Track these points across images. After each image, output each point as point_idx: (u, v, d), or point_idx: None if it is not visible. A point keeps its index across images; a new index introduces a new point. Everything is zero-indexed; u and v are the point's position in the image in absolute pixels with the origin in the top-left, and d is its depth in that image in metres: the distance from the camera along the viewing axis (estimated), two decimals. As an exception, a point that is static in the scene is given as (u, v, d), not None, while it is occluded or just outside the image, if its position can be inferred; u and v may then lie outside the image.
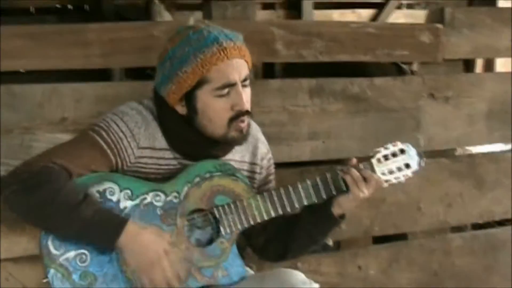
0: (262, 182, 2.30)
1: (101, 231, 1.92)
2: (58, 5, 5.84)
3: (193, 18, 2.15)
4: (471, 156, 3.44)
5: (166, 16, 4.40)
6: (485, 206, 3.27)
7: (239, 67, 2.03)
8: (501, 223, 3.43)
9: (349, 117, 2.93)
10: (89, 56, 2.53)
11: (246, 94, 2.06)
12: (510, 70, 5.96)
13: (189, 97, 2.04)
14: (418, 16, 6.58)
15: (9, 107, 2.44)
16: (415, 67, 3.94)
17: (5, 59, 2.42)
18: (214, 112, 2.03)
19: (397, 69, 3.78)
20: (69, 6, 5.93)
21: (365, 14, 6.25)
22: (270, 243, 2.27)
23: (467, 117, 3.15)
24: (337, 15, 6.10)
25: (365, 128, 2.96)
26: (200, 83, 2.01)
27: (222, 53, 1.99)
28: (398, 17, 6.46)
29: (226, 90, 2.02)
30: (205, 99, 2.03)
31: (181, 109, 2.07)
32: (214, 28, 2.04)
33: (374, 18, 6.29)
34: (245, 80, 2.06)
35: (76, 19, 5.44)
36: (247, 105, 2.06)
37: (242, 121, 2.06)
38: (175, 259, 2.00)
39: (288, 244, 2.26)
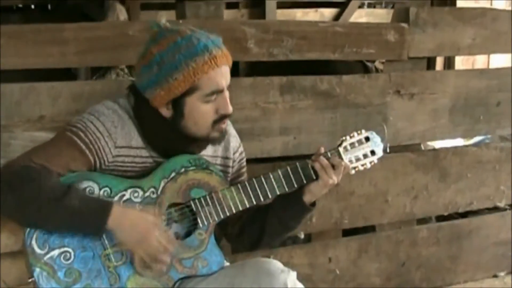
0: (235, 175, 2.30)
1: (90, 217, 1.90)
2: (20, 5, 5.78)
3: (165, 16, 2.13)
4: (436, 150, 3.46)
5: (122, 13, 4.38)
6: (450, 198, 3.30)
7: (226, 74, 2.04)
8: (465, 214, 3.48)
9: (318, 113, 2.93)
10: (66, 54, 2.49)
11: (228, 97, 2.07)
12: (470, 67, 6.10)
13: (177, 102, 2.02)
14: (379, 14, 6.64)
15: (-14, 105, 2.43)
16: (378, 64, 4.00)
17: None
18: (200, 116, 2.04)
19: (362, 67, 3.83)
20: (32, 5, 5.87)
21: (327, 13, 6.27)
22: (244, 231, 2.28)
23: (431, 113, 3.17)
24: (300, 14, 6.10)
25: (334, 123, 2.96)
26: (190, 90, 2.00)
27: (212, 61, 1.98)
28: (360, 15, 6.50)
29: (214, 96, 2.02)
30: (193, 104, 2.02)
31: (166, 112, 2.05)
32: (201, 34, 2.03)
33: (337, 17, 6.33)
34: (227, 84, 2.06)
35: (39, 17, 5.39)
36: (231, 108, 2.06)
37: (224, 123, 2.08)
38: (161, 231, 1.99)
39: (262, 231, 2.27)
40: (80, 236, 1.96)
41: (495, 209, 3.49)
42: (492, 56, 6.07)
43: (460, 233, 3.38)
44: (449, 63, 5.14)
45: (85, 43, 2.51)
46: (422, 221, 3.39)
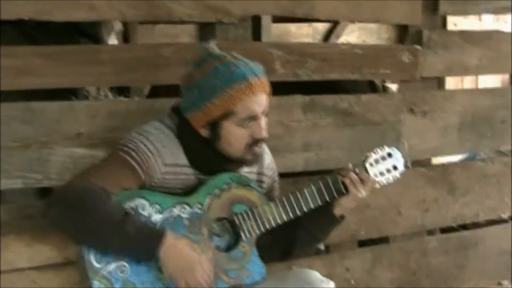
0: (269, 189, 2.35)
1: (143, 245, 1.95)
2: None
3: (214, 41, 2.18)
4: (444, 164, 3.53)
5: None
6: (458, 210, 3.34)
7: (262, 101, 2.09)
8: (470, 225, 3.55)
9: (338, 130, 2.95)
10: (102, 74, 2.50)
11: (264, 123, 2.12)
12: (460, 86, 6.19)
13: (214, 124, 2.08)
14: (371, 28, 6.71)
15: (28, 122, 2.40)
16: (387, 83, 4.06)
17: (24, 77, 2.39)
18: (234, 138, 2.09)
19: (368, 84, 3.89)
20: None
21: (321, 27, 6.33)
22: (276, 242, 2.32)
23: (441, 129, 3.21)
24: (294, 28, 6.17)
25: (352, 140, 2.99)
26: (226, 115, 2.05)
27: (248, 89, 2.04)
28: (352, 30, 6.57)
29: (248, 122, 2.07)
30: (228, 127, 2.07)
31: (204, 132, 2.10)
32: (240, 62, 2.08)
33: (330, 31, 6.40)
34: (264, 111, 2.11)
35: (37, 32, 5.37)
36: (265, 134, 2.11)
37: (258, 147, 2.13)
38: (205, 265, 2.04)
39: (292, 243, 2.34)
40: None
41: (499, 220, 3.56)
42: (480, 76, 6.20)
43: (466, 244, 3.42)
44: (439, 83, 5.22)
45: (121, 64, 2.52)
46: (429, 232, 3.45)
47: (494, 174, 3.41)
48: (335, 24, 6.15)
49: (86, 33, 5.20)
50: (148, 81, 2.63)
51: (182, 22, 2.84)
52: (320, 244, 2.99)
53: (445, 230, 3.49)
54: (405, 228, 3.23)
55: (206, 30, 2.76)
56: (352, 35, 7.10)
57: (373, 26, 6.92)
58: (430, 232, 3.44)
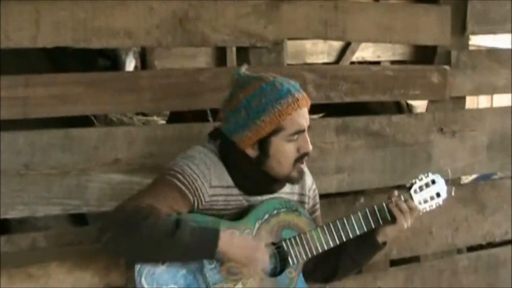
0: (310, 211, 2.34)
1: (201, 248, 1.95)
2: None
3: (246, 66, 2.19)
4: (474, 183, 3.52)
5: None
6: (487, 229, 3.32)
7: (306, 115, 2.11)
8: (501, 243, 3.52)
9: (370, 152, 2.94)
10: (141, 101, 2.50)
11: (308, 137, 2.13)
12: (508, 104, 6.18)
13: (263, 143, 2.08)
14: (385, 45, 6.71)
15: (67, 150, 2.41)
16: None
17: (65, 104, 2.40)
18: (284, 154, 2.09)
19: (395, 105, 3.88)
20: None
21: (336, 44, 6.35)
22: (318, 267, 2.32)
23: (471, 149, 3.19)
24: (309, 45, 6.19)
25: (384, 161, 2.98)
26: (276, 131, 2.06)
27: (295, 104, 2.05)
28: (367, 46, 6.57)
29: (296, 136, 2.08)
30: (278, 144, 2.08)
31: (252, 152, 2.10)
32: (282, 79, 2.10)
33: (345, 48, 6.41)
34: (308, 125, 2.13)
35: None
36: (311, 147, 2.12)
37: (302, 162, 2.13)
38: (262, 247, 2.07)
39: (335, 268, 2.34)
40: (184, 274, 1.99)
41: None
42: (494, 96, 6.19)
43: (496, 262, 3.39)
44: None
45: (159, 90, 2.52)
46: (459, 251, 3.43)
47: (522, 192, 3.39)
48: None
49: (105, 53, 5.25)
50: (184, 106, 2.62)
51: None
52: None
53: (472, 249, 3.48)
54: (436, 247, 3.21)
55: (240, 54, 2.75)
56: (366, 51, 7.11)
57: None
58: (459, 251, 3.42)
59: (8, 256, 2.35)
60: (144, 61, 5.73)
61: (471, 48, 3.26)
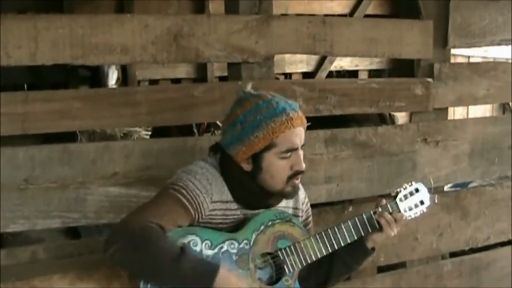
0: (303, 223, 2.40)
1: (199, 280, 2.00)
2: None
3: (250, 83, 2.28)
4: (457, 191, 3.64)
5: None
6: (470, 234, 3.42)
7: (300, 134, 2.17)
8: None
9: (357, 162, 3.02)
10: (138, 115, 2.56)
11: (302, 155, 2.20)
12: (482, 114, 6.34)
13: (257, 157, 2.15)
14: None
15: (66, 164, 2.46)
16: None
17: (64, 120, 2.45)
18: (276, 170, 2.16)
19: (378, 115, 3.99)
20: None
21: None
22: (312, 273, 2.38)
23: (453, 158, 3.29)
24: (288, 55, 6.29)
25: (371, 171, 3.07)
26: (268, 147, 2.13)
27: (289, 122, 2.12)
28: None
29: (288, 154, 2.15)
30: (270, 159, 2.15)
31: (246, 166, 2.17)
32: (279, 99, 2.17)
33: (324, 57, 6.53)
34: (302, 144, 2.20)
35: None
36: (304, 166, 2.19)
37: (297, 179, 2.21)
38: None
39: (329, 274, 2.41)
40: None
41: (509, 242, 3.66)
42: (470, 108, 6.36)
43: (479, 266, 3.49)
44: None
45: (155, 104, 2.58)
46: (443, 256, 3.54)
47: (503, 198, 3.49)
48: None
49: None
50: (180, 120, 2.69)
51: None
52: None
53: (455, 254, 3.59)
54: (421, 253, 3.31)
55: (232, 69, 2.82)
56: (345, 60, 7.25)
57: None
58: (443, 257, 3.53)
59: (10, 269, 2.38)
60: (125, 72, 5.79)
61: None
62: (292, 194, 2.25)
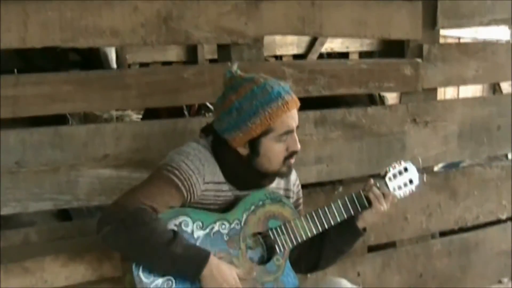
0: (294, 204, 2.43)
1: (189, 266, 2.04)
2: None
3: (236, 63, 2.31)
4: (446, 171, 3.68)
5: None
6: (459, 214, 3.47)
7: (295, 116, 2.21)
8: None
9: (347, 143, 3.06)
10: (128, 98, 2.57)
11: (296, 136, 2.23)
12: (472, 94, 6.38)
13: (254, 142, 2.17)
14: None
15: (57, 147, 2.47)
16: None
17: (54, 103, 2.46)
18: (273, 154, 2.19)
19: (367, 96, 4.02)
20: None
21: (305, 37, 6.47)
22: (302, 256, 2.41)
23: (442, 138, 3.33)
24: (279, 37, 6.26)
25: (361, 151, 3.10)
26: (266, 132, 2.15)
27: (285, 106, 2.15)
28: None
29: (285, 137, 2.18)
30: (268, 144, 2.18)
31: (243, 151, 2.20)
32: (273, 82, 2.19)
33: (314, 39, 6.51)
34: (297, 125, 2.23)
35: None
36: (299, 146, 2.22)
37: (292, 158, 2.24)
38: (244, 282, 2.15)
39: (319, 257, 2.43)
40: None
41: (498, 222, 3.71)
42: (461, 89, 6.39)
43: (468, 245, 3.54)
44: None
45: (145, 87, 2.59)
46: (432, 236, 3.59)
47: (492, 179, 3.54)
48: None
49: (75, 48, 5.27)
50: (169, 102, 2.71)
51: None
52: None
53: (445, 233, 3.64)
54: (411, 233, 3.35)
55: (222, 51, 2.85)
56: (335, 42, 7.24)
57: (354, 34, 7.03)
58: (433, 236, 3.58)
59: (3, 251, 2.40)
60: (116, 55, 5.78)
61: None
62: (287, 173, 2.30)
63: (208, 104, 3.50)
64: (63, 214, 3.23)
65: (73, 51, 5.02)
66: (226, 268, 2.11)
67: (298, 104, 2.23)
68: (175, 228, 2.07)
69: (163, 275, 2.05)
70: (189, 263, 2.04)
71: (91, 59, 5.10)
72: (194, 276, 2.06)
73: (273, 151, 2.19)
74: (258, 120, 2.14)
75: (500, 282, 3.67)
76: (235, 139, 2.17)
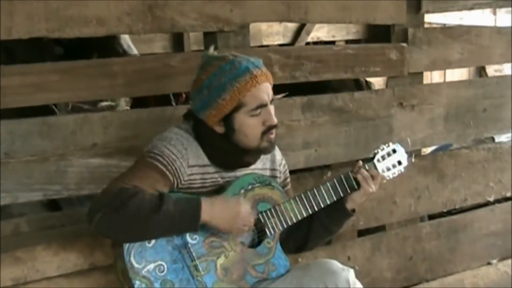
0: (282, 184, 2.47)
1: (185, 217, 2.07)
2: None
3: (212, 46, 2.34)
4: (434, 154, 3.73)
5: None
6: (447, 196, 3.51)
7: (267, 89, 2.23)
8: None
9: (335, 127, 3.09)
10: (115, 86, 2.58)
11: (272, 110, 2.25)
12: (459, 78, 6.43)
13: (227, 119, 2.20)
14: (340, 27, 6.87)
15: (45, 136, 2.48)
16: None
17: (42, 93, 2.46)
18: (249, 129, 2.21)
19: (354, 82, 4.06)
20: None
21: (290, 25, 6.50)
22: (290, 237, 2.45)
23: (429, 121, 3.37)
24: (265, 26, 6.33)
25: (348, 136, 3.13)
26: (237, 107, 2.18)
27: (253, 80, 2.18)
28: (322, 26, 6.70)
29: (258, 111, 2.20)
30: (242, 119, 2.20)
31: (219, 129, 2.22)
32: (242, 58, 2.21)
33: (300, 29, 6.57)
34: (270, 99, 2.25)
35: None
36: (275, 120, 2.25)
37: (272, 133, 2.25)
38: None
39: (307, 237, 2.47)
40: (170, 250, 2.11)
41: (485, 203, 3.75)
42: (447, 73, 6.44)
43: (457, 228, 3.59)
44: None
45: (132, 75, 2.60)
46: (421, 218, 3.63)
47: (479, 161, 3.59)
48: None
49: (60, 41, 5.26)
50: (157, 91, 2.74)
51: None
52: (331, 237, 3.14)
53: (433, 216, 3.69)
54: (400, 216, 3.39)
55: (208, 39, 2.86)
56: (321, 31, 7.27)
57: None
58: (421, 219, 3.63)
59: (-6, 242, 2.44)
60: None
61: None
62: (269, 149, 2.31)
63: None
64: (52, 205, 3.25)
65: (58, 44, 5.02)
66: (222, 201, 2.17)
67: (270, 78, 2.26)
68: (163, 192, 2.10)
69: (154, 261, 2.08)
70: (184, 216, 2.07)
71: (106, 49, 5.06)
72: (194, 226, 2.10)
73: (248, 126, 2.22)
74: (227, 96, 2.17)
75: (489, 263, 3.72)
76: (209, 117, 2.21)
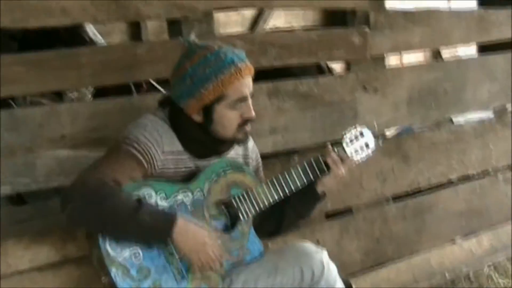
0: (254, 170, 2.52)
1: (157, 230, 2.09)
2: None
3: (193, 33, 2.36)
4: (397, 137, 3.82)
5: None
6: (412, 178, 3.61)
7: (249, 83, 2.27)
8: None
9: (300, 112, 3.14)
10: (82, 77, 2.59)
11: (251, 104, 2.30)
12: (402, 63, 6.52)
13: (207, 109, 2.23)
14: (297, 13, 6.95)
15: (12, 130, 2.47)
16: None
17: (8, 85, 2.44)
18: (227, 120, 2.25)
19: (316, 67, 4.12)
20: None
21: (248, 14, 6.55)
22: (264, 222, 2.49)
23: (392, 104, 3.45)
24: (223, 16, 6.36)
25: (314, 120, 3.19)
26: (219, 99, 2.21)
27: (238, 73, 2.21)
28: (279, 15, 6.78)
29: (239, 104, 2.24)
30: (221, 111, 2.24)
31: (197, 118, 2.25)
32: (227, 50, 2.24)
33: (257, 17, 6.61)
34: (251, 93, 2.29)
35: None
36: (253, 113, 2.29)
37: (248, 126, 2.30)
38: (214, 240, 2.22)
39: (280, 222, 2.52)
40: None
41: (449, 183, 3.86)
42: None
43: (422, 208, 3.68)
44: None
45: (98, 65, 2.61)
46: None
47: (441, 142, 3.70)
48: (262, 10, 6.36)
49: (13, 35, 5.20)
50: (123, 80, 2.75)
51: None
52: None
53: (399, 197, 3.78)
54: (367, 199, 3.47)
55: (172, 27, 2.89)
56: (279, 20, 7.32)
57: (299, 11, 7.15)
58: (387, 200, 3.72)
59: (-37, 239, 2.43)
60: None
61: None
62: (243, 140, 2.35)
63: (156, 84, 3.54)
64: (18, 200, 3.23)
65: (12, 39, 4.96)
66: (196, 227, 2.17)
67: (253, 71, 2.30)
68: (143, 199, 2.12)
69: (130, 247, 2.11)
70: (157, 228, 2.09)
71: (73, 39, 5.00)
72: (164, 240, 2.11)
73: (226, 118, 2.25)
74: (211, 87, 2.20)
75: (452, 240, 3.83)
76: (189, 106, 2.23)
